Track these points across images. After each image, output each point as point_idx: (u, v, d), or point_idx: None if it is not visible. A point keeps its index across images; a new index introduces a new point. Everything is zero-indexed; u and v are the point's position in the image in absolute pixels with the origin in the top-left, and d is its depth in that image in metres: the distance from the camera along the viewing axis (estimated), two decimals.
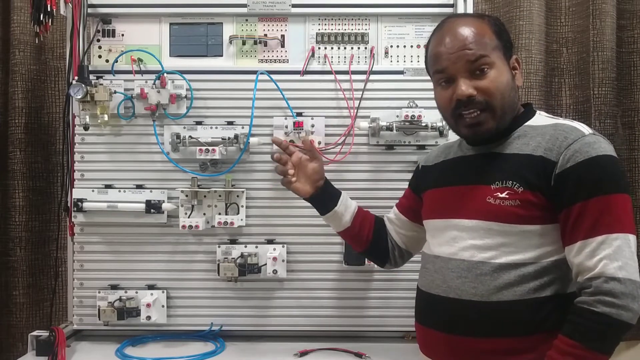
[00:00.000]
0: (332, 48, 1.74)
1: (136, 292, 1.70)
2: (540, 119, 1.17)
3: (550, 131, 1.10)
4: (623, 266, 0.99)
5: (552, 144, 1.08)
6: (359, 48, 1.74)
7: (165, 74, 1.67)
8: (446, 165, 1.27)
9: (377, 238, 1.44)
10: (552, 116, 1.19)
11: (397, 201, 1.47)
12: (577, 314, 1.01)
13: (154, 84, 1.67)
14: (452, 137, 1.68)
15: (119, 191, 1.70)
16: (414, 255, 1.47)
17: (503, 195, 1.09)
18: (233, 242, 1.71)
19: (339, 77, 1.70)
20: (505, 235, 1.08)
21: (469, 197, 1.15)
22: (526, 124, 1.16)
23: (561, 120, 1.14)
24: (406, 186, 1.68)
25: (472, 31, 1.13)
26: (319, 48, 1.74)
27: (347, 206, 1.43)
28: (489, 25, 1.15)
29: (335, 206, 1.42)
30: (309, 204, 1.70)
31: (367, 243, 1.44)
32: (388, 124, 1.67)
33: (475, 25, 1.14)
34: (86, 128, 1.66)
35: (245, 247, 1.70)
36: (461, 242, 1.14)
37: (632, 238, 1.02)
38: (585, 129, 1.09)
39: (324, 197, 1.43)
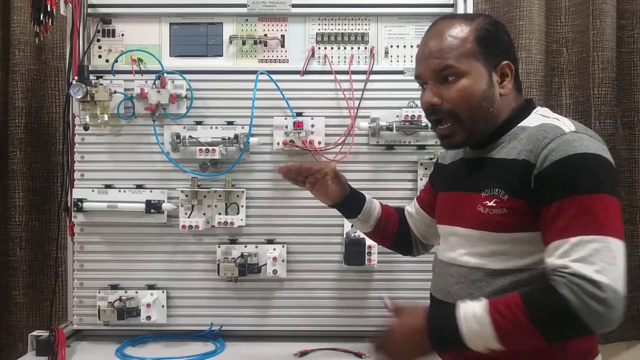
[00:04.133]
0: (332, 48, 1.74)
1: (136, 292, 1.70)
2: (534, 118, 1.12)
3: (534, 132, 1.06)
4: (600, 270, 0.91)
5: (532, 145, 1.04)
6: (359, 48, 1.74)
7: (165, 74, 1.67)
8: (454, 167, 1.26)
9: (401, 234, 1.43)
10: (547, 115, 1.13)
11: (418, 194, 1.45)
12: (542, 288, 0.96)
13: (154, 84, 1.67)
14: None
15: (119, 191, 1.70)
16: (435, 244, 1.43)
17: (491, 203, 1.06)
18: (233, 242, 1.71)
19: (339, 77, 1.70)
20: (496, 243, 1.06)
21: (463, 205, 1.14)
22: (519, 124, 1.11)
23: (548, 120, 1.09)
24: (406, 186, 1.69)
25: (445, 38, 1.09)
26: (319, 48, 1.74)
27: (370, 213, 1.39)
28: (473, 31, 1.09)
29: (356, 216, 1.39)
30: (309, 204, 1.71)
31: (392, 240, 1.44)
32: (388, 124, 1.67)
33: (453, 31, 1.10)
34: (86, 128, 1.66)
35: (245, 247, 1.70)
36: (459, 249, 1.13)
37: (613, 242, 0.94)
38: (568, 127, 1.04)
39: (345, 207, 1.40)
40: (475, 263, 1.09)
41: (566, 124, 1.05)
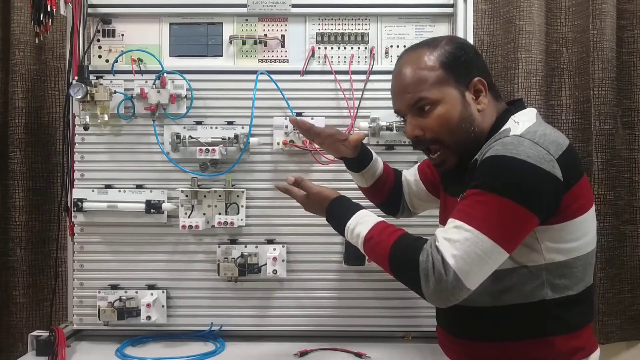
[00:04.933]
0: (332, 48, 1.74)
1: (136, 292, 1.70)
2: (507, 124, 1.12)
3: (496, 135, 1.09)
4: (456, 256, 0.97)
5: (486, 147, 1.08)
6: (359, 48, 1.74)
7: (165, 74, 1.67)
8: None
9: (392, 197, 1.48)
10: (517, 119, 1.11)
11: (420, 162, 1.49)
12: (412, 243, 1.05)
13: (154, 84, 1.67)
14: None
15: (119, 191, 1.70)
16: (418, 214, 1.53)
17: None
18: (233, 242, 1.71)
19: (339, 77, 1.70)
20: None
21: (447, 207, 1.19)
22: (500, 130, 1.12)
23: (511, 124, 1.10)
24: None
25: (413, 71, 1.12)
26: (319, 48, 1.74)
27: (373, 172, 1.45)
28: (437, 58, 1.11)
29: (360, 171, 1.45)
30: None
31: (382, 199, 1.49)
32: (388, 124, 1.67)
33: (418, 62, 1.12)
34: (86, 128, 1.66)
35: (245, 247, 1.70)
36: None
37: (487, 242, 0.97)
38: (518, 130, 1.05)
39: (352, 161, 1.45)
40: None
41: (519, 128, 1.07)
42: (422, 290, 1.00)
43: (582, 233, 1.08)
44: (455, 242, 0.98)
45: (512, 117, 1.13)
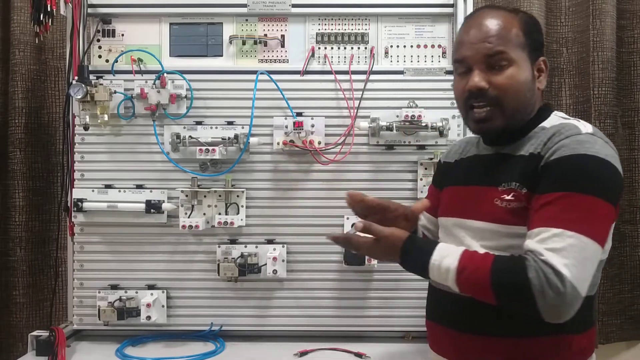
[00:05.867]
0: (332, 48, 1.74)
1: (136, 292, 1.70)
2: (554, 119, 1.14)
3: (554, 130, 1.08)
4: (568, 265, 0.94)
5: (548, 140, 1.07)
6: (359, 48, 1.74)
7: (165, 74, 1.67)
8: (463, 163, 1.27)
9: None
10: (567, 117, 1.16)
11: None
12: (513, 264, 0.99)
13: (154, 84, 1.67)
14: (452, 137, 1.69)
15: (119, 191, 1.70)
16: None
17: (509, 197, 1.07)
18: (233, 242, 1.71)
19: (339, 77, 1.70)
20: (513, 237, 1.07)
21: (478, 198, 1.15)
22: (540, 125, 1.14)
23: (568, 120, 1.12)
24: (406, 186, 1.69)
25: (498, 25, 1.11)
26: (319, 48, 1.74)
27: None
28: (520, 22, 1.12)
29: None
30: (309, 204, 1.71)
31: None
32: (388, 124, 1.67)
33: (504, 19, 1.12)
34: (86, 128, 1.66)
35: (245, 247, 1.70)
36: (470, 243, 1.13)
37: (591, 244, 0.97)
38: (586, 128, 1.07)
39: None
40: None
41: (585, 126, 1.08)
42: (537, 308, 0.95)
43: (610, 234, 1.08)
44: (562, 250, 0.95)
45: (555, 112, 1.16)
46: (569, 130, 1.06)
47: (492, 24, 1.11)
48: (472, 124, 1.15)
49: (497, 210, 1.09)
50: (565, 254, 0.95)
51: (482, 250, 1.09)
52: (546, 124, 1.13)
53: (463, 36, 1.15)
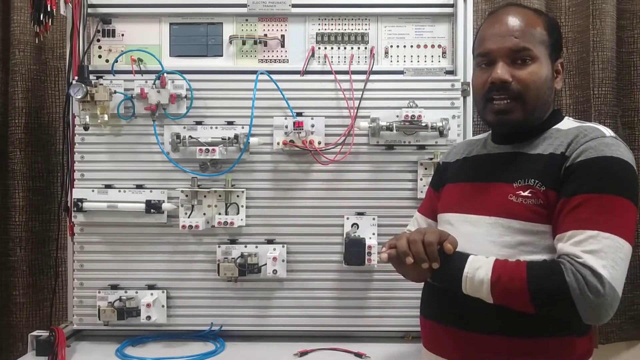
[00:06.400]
0: (332, 48, 1.74)
1: (136, 292, 1.70)
2: (568, 122, 1.16)
3: (575, 132, 1.09)
4: (606, 266, 0.95)
5: (572, 141, 1.07)
6: (359, 48, 1.74)
7: (165, 74, 1.67)
8: (468, 162, 1.27)
9: None
10: (580, 121, 1.17)
11: (418, 208, 1.43)
12: (550, 269, 0.99)
13: (154, 84, 1.67)
14: (452, 137, 1.69)
15: (119, 191, 1.70)
16: None
17: (525, 193, 1.08)
18: (233, 242, 1.71)
19: (339, 77, 1.70)
20: (525, 234, 1.08)
21: (489, 194, 1.15)
22: (554, 127, 1.15)
23: (586, 124, 1.13)
24: (406, 186, 1.69)
25: (524, 21, 1.13)
26: (319, 48, 1.74)
27: None
28: (544, 21, 1.15)
29: None
30: (309, 204, 1.71)
31: None
32: (388, 124, 1.67)
33: (529, 17, 1.15)
34: (86, 128, 1.66)
35: (245, 247, 1.70)
36: (478, 239, 1.13)
37: (625, 245, 0.98)
38: (608, 132, 1.09)
39: None
40: (498, 255, 1.08)
41: (607, 129, 1.10)
42: (578, 312, 0.96)
43: None
44: (599, 252, 0.96)
45: (568, 117, 1.19)
46: (593, 132, 1.07)
47: (518, 20, 1.13)
48: (491, 115, 1.15)
49: (511, 205, 1.09)
50: (603, 255, 0.96)
51: (491, 247, 1.09)
52: (561, 126, 1.15)
53: (487, 29, 1.17)
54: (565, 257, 0.99)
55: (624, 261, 0.98)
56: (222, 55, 1.76)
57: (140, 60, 1.72)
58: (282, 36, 1.75)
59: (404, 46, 1.75)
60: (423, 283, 1.25)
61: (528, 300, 0.99)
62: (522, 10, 1.17)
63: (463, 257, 1.08)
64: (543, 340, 1.06)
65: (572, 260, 0.97)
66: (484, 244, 1.12)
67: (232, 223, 1.66)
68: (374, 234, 1.68)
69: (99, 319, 1.68)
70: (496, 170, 1.17)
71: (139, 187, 1.71)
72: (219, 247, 1.70)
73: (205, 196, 1.70)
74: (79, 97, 1.61)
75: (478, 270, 1.04)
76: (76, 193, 1.70)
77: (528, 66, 1.11)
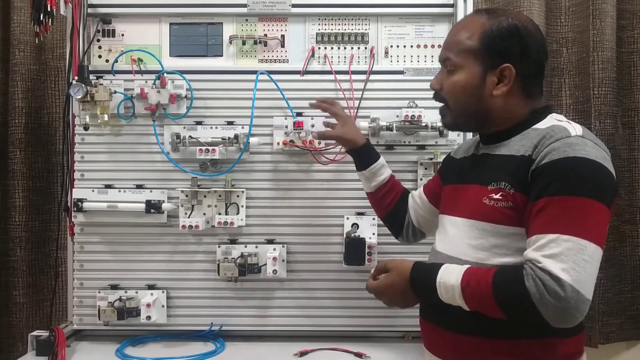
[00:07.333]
0: (332, 48, 1.74)
1: (136, 292, 1.70)
2: (547, 121, 1.13)
3: (544, 132, 1.08)
4: (567, 269, 0.94)
5: (539, 143, 1.06)
6: (359, 48, 1.74)
7: (165, 74, 1.67)
8: (463, 162, 1.28)
9: (397, 211, 1.48)
10: (560, 119, 1.14)
11: (425, 182, 1.48)
12: (512, 274, 1.00)
13: (154, 84, 1.67)
14: (452, 137, 1.69)
15: (119, 191, 1.70)
16: (427, 236, 1.48)
17: (497, 196, 1.08)
18: (233, 242, 1.71)
19: (339, 77, 1.70)
20: (497, 236, 1.08)
21: (467, 196, 1.17)
22: (533, 126, 1.13)
23: (559, 123, 1.11)
24: (406, 186, 1.68)
25: (457, 30, 1.18)
26: (319, 48, 1.74)
27: (375, 174, 1.47)
28: (484, 29, 1.13)
29: (363, 170, 1.48)
30: (309, 204, 1.70)
31: (386, 212, 1.50)
32: (388, 124, 1.67)
33: (468, 25, 1.16)
34: (86, 128, 1.66)
35: (245, 247, 1.70)
36: (457, 241, 1.15)
37: (589, 246, 0.96)
38: (576, 131, 1.06)
39: (359, 155, 1.49)
40: (472, 257, 1.11)
41: (575, 128, 1.08)
42: (542, 317, 0.96)
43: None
44: (559, 255, 0.95)
45: (552, 115, 1.16)
46: (558, 133, 1.05)
47: (455, 30, 1.20)
48: None
49: (484, 208, 1.10)
50: (563, 259, 0.95)
51: (467, 249, 1.11)
52: (540, 125, 1.12)
53: None
54: (528, 262, 0.99)
55: (589, 262, 0.95)
56: (222, 55, 1.76)
57: (140, 60, 1.72)
58: (282, 36, 1.75)
59: (404, 46, 1.75)
60: None
61: (495, 305, 1.01)
62: (467, 19, 1.21)
63: (437, 266, 1.11)
64: (524, 342, 1.07)
65: (532, 265, 0.98)
66: (462, 246, 1.14)
67: (232, 223, 1.66)
68: (374, 234, 1.68)
69: (99, 319, 1.68)
70: (476, 171, 1.19)
71: (139, 187, 1.71)
72: (219, 247, 1.70)
73: (205, 196, 1.70)
74: (79, 97, 1.61)
75: (450, 276, 1.07)
76: (76, 193, 1.70)
77: (452, 75, 1.16)
